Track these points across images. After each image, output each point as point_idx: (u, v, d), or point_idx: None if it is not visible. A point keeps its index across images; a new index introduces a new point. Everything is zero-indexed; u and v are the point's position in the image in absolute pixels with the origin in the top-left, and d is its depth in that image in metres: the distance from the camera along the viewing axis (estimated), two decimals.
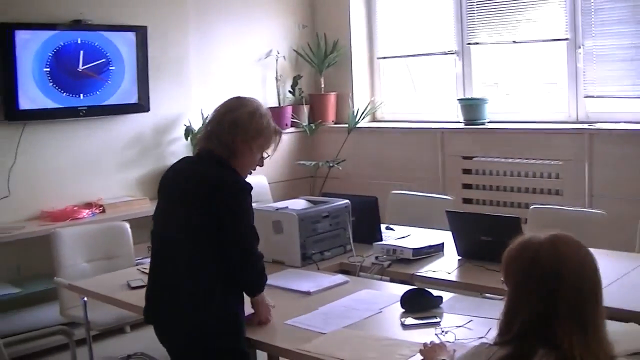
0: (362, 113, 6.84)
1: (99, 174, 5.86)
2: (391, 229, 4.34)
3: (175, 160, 5.06)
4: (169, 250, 2.91)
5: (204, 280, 2.81)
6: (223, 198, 2.82)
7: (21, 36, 5.27)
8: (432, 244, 3.84)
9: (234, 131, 2.93)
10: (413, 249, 3.71)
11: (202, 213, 2.82)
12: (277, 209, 3.90)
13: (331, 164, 6.71)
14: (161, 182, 3.08)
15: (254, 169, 3.07)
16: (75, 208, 5.52)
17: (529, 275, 1.88)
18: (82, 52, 5.60)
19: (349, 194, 4.24)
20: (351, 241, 3.91)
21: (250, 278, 2.93)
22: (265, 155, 3.07)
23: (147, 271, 3.17)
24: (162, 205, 3.03)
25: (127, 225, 4.82)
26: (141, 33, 5.93)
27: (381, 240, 4.00)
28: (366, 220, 4.10)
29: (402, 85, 7.29)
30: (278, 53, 7.06)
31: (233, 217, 2.83)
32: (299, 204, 4.04)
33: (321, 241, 3.83)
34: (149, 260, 3.08)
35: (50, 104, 5.46)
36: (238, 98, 3.08)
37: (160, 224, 2.99)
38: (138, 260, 4.72)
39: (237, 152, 2.94)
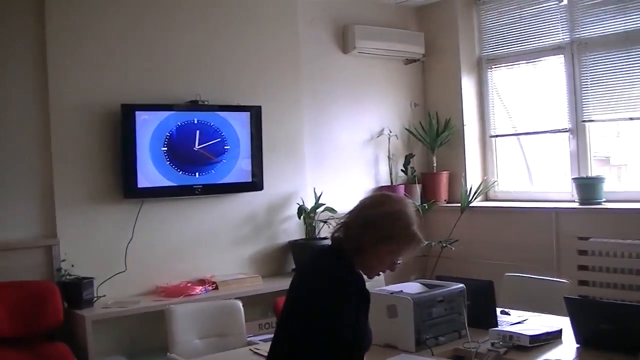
0: (475, 192, 6.78)
1: (212, 251, 5.92)
2: (507, 314, 4.20)
3: (287, 239, 5.10)
4: (274, 340, 2.88)
5: None
6: (318, 304, 2.69)
7: (141, 117, 5.42)
8: (549, 330, 3.69)
9: (365, 230, 2.77)
10: (530, 335, 3.57)
11: (301, 313, 2.75)
12: (391, 293, 3.81)
13: (444, 244, 6.63)
14: None
15: (384, 271, 2.90)
16: (189, 284, 5.56)
17: None
18: (198, 131, 5.71)
19: (463, 278, 4.12)
20: (466, 326, 3.80)
21: None
22: (398, 260, 2.87)
23: (258, 351, 3.19)
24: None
25: (240, 304, 4.70)
26: (256, 112, 6.01)
27: (497, 325, 3.88)
28: (481, 304, 3.98)
29: (515, 164, 7.19)
30: (390, 132, 7.12)
31: (321, 327, 2.66)
32: (413, 287, 3.96)
33: (436, 326, 3.73)
34: (259, 338, 3.06)
35: (166, 182, 5.56)
36: (383, 195, 2.97)
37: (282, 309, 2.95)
38: (249, 338, 4.68)
39: (364, 251, 2.78)
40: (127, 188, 5.44)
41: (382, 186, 7.05)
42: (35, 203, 5.18)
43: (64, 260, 5.16)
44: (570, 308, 3.67)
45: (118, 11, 5.51)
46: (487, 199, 7.25)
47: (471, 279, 4.28)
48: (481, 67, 7.28)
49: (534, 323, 3.93)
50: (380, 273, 2.89)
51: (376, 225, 2.76)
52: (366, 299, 2.79)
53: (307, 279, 2.86)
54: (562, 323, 3.78)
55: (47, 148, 5.20)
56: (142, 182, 5.47)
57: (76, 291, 5.10)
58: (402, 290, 3.82)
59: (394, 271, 2.91)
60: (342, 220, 2.88)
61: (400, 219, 2.79)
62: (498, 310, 4.12)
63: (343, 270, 2.76)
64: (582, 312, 3.65)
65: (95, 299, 5.22)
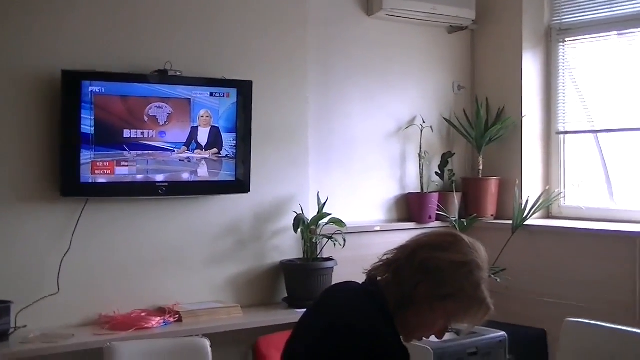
0: (533, 206, 6.52)
1: (178, 271, 5.72)
2: None
3: (279, 259, 5.64)
4: None
5: None
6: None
7: (89, 88, 5.25)
8: None
9: (422, 277, 2.69)
10: None
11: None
12: None
13: (487, 274, 6.31)
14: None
15: (427, 337, 2.83)
16: (143, 314, 5.40)
17: None
18: (165, 112, 5.55)
19: (507, 323, 4.02)
20: None
21: None
22: (451, 325, 2.83)
23: None
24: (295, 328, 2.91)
25: (207, 343, 4.63)
26: (245, 90, 5.84)
27: None
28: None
29: (590, 171, 6.96)
30: (423, 122, 6.95)
31: None
32: None
33: None
34: None
35: (121, 177, 5.40)
36: (452, 234, 2.87)
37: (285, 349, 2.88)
38: None
39: (413, 304, 2.71)
40: (66, 182, 5.22)
41: (409, 193, 6.89)
42: None
43: None
44: None
45: None
46: (549, 216, 7.04)
47: (518, 325, 4.32)
48: (550, 40, 7.05)
49: None
50: (423, 338, 2.86)
51: (439, 275, 2.69)
52: None
53: (330, 332, 2.67)
54: None
55: None
56: (87, 175, 5.28)
57: None
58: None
59: (442, 339, 2.89)
60: (388, 256, 2.83)
61: (472, 274, 2.73)
62: None
63: (386, 332, 2.65)
64: None
65: (12, 330, 4.96)
